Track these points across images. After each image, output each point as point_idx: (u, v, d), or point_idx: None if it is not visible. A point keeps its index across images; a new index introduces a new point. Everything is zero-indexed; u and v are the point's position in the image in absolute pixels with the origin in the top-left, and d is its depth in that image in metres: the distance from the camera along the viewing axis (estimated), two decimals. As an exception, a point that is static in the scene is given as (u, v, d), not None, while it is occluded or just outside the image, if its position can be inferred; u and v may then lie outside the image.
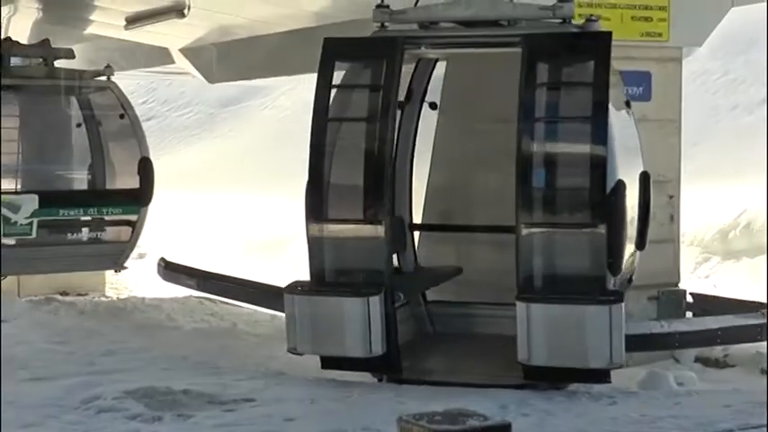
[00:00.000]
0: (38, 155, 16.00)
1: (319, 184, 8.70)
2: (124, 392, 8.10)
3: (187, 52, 17.26)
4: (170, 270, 14.76)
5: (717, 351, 10.56)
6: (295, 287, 8.84)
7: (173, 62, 17.88)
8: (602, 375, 8.21)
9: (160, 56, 17.87)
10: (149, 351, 10.27)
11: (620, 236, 8.36)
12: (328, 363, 8.77)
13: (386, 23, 9.02)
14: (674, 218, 11.17)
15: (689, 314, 11.21)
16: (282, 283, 13.86)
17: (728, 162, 19.94)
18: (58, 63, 15.44)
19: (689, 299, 11.52)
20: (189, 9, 14.49)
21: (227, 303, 13.81)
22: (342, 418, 7.44)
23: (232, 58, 16.64)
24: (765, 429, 6.99)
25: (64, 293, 15.20)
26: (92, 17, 16.20)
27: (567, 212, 8.55)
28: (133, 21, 15.68)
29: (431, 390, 8.11)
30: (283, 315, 12.36)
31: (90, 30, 16.61)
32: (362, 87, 8.98)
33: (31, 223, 14.45)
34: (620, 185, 8.31)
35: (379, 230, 8.55)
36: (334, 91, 8.88)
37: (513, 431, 3.92)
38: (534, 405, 7.66)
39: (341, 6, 12.95)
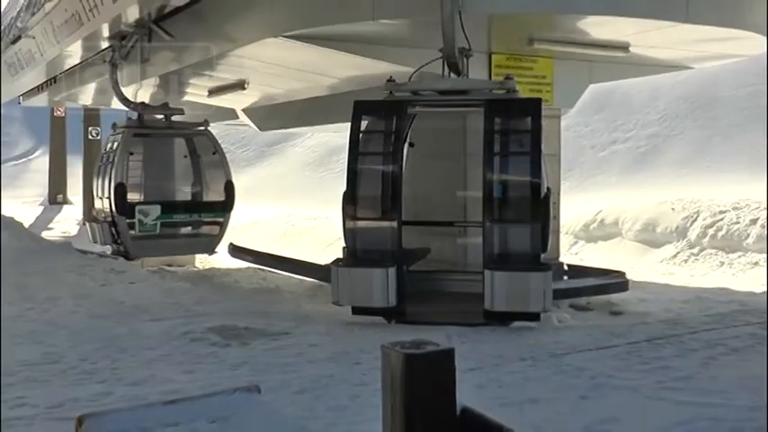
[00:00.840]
0: (160, 178, 16.03)
1: (353, 195, 8.59)
2: (207, 328, 8.14)
3: (246, 111, 17.22)
4: (236, 250, 14.76)
5: (582, 300, 10.56)
6: (338, 262, 8.79)
7: (237, 117, 17.85)
8: (535, 316, 8.25)
9: (230, 113, 17.81)
10: (223, 302, 10.25)
11: (548, 228, 8.42)
12: (357, 311, 8.59)
13: (392, 91, 8.98)
14: (556, 216, 11.17)
15: (566, 277, 11.24)
16: (308, 259, 13.95)
17: (589, 182, 20.02)
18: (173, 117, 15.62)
19: (565, 267, 11.54)
20: (248, 84, 14.50)
21: (272, 272, 13.77)
22: (347, 344, 7.48)
23: (275, 115, 16.62)
24: (617, 349, 7.01)
25: (169, 265, 15.16)
26: (188, 90, 16.18)
27: (516, 212, 8.53)
28: (213, 91, 15.68)
29: (406, 328, 8.12)
30: (309, 279, 12.45)
31: (187, 98, 16.57)
32: (381, 133, 8.84)
33: (156, 224, 14.62)
34: (548, 195, 8.39)
35: (394, 225, 8.49)
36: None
37: (455, 354, 3.86)
38: (470, 336, 7.68)
39: (343, 82, 12.92)
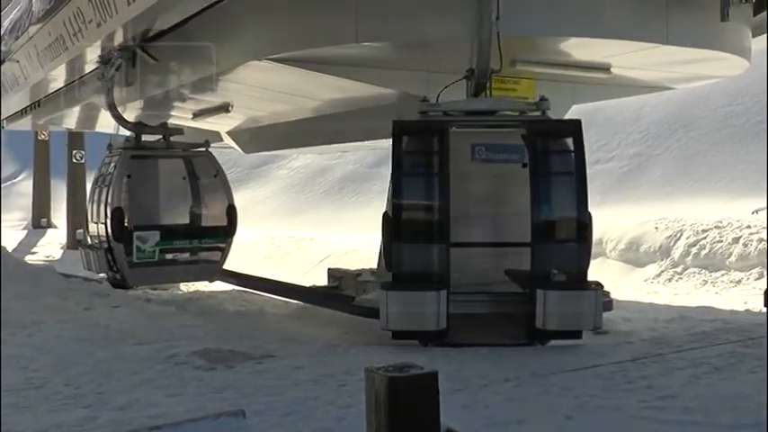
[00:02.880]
0: (159, 201, 15.27)
1: (398, 219, 8.37)
2: (192, 352, 8.05)
3: (231, 133, 17.20)
4: (221, 273, 14.66)
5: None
6: (387, 286, 8.41)
7: (222, 140, 17.81)
8: (579, 334, 8.24)
9: (214, 136, 17.80)
10: (208, 325, 10.17)
11: (591, 247, 8.46)
12: (399, 335, 8.30)
13: (427, 111, 8.79)
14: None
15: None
16: (293, 281, 13.89)
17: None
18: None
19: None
20: (232, 107, 14.46)
21: (257, 294, 13.69)
22: (332, 366, 7.41)
23: (259, 137, 16.59)
24: (601, 368, 7.02)
25: (154, 289, 14.92)
26: (173, 113, 16.12)
27: (563, 233, 8.49)
28: (198, 114, 15.59)
29: (390, 349, 8.09)
30: (294, 301, 12.40)
31: (171, 120, 16.47)
32: (426, 153, 8.59)
33: (154, 250, 14.03)
34: (590, 216, 8.35)
35: (443, 248, 8.29)
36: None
37: (439, 375, 3.83)
38: (454, 357, 7.62)
39: (327, 105, 12.96)
